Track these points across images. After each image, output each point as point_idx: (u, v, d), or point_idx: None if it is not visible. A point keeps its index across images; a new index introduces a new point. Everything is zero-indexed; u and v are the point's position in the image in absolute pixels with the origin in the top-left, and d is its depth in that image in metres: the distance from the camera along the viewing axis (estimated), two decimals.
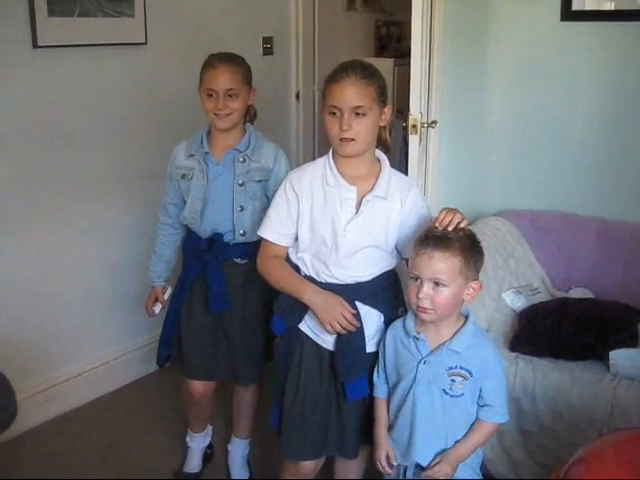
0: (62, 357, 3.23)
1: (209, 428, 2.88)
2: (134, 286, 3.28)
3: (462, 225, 1.93)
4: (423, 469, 2.00)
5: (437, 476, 1.97)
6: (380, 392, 2.11)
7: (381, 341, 2.11)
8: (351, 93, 1.97)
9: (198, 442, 2.83)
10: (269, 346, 2.56)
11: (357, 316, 2.07)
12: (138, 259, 3.18)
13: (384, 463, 2.06)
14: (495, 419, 1.99)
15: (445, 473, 1.96)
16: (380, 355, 2.11)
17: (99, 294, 3.34)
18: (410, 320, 2.01)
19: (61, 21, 2.93)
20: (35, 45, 2.86)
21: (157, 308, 2.69)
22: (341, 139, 2.00)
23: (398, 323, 2.07)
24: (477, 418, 1.98)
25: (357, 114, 1.98)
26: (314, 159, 2.23)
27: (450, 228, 1.90)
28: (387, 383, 2.09)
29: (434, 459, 1.98)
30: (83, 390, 3.29)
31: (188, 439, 2.83)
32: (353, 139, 2.00)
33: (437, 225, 1.92)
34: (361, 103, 1.98)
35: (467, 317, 2.00)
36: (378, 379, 2.11)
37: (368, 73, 2.01)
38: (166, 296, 2.69)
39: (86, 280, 3.27)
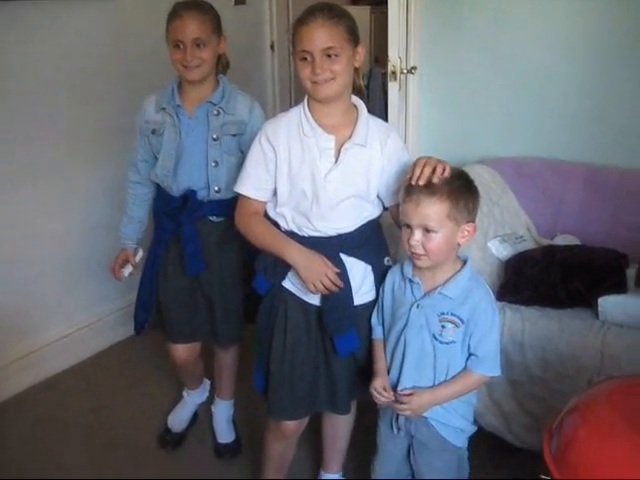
0: (40, 323, 3.21)
1: (207, 383, 2.86)
2: (110, 248, 3.13)
3: (446, 174, 1.88)
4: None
5: (401, 408, 1.95)
6: (377, 333, 2.11)
7: (380, 286, 2.10)
8: (320, 35, 1.92)
9: (194, 398, 2.82)
10: (250, 306, 2.48)
11: (342, 273, 2.03)
12: (111, 220, 3.07)
13: (380, 390, 2.00)
14: (482, 370, 1.95)
15: (409, 408, 1.94)
16: (379, 298, 2.10)
17: (75, 257, 3.30)
18: (408, 264, 2.00)
19: None
20: None
21: (127, 270, 2.62)
22: (314, 82, 1.95)
23: (397, 267, 2.06)
24: (464, 366, 1.96)
25: (329, 56, 1.93)
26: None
27: (435, 180, 1.85)
28: (383, 325, 2.09)
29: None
30: (62, 356, 3.27)
31: (185, 394, 2.81)
32: (332, 78, 1.95)
33: (413, 182, 1.87)
34: (331, 44, 1.93)
35: (465, 262, 1.98)
36: (376, 321, 2.11)
37: (335, 13, 1.96)
38: (137, 258, 2.62)
39: (62, 243, 3.23)
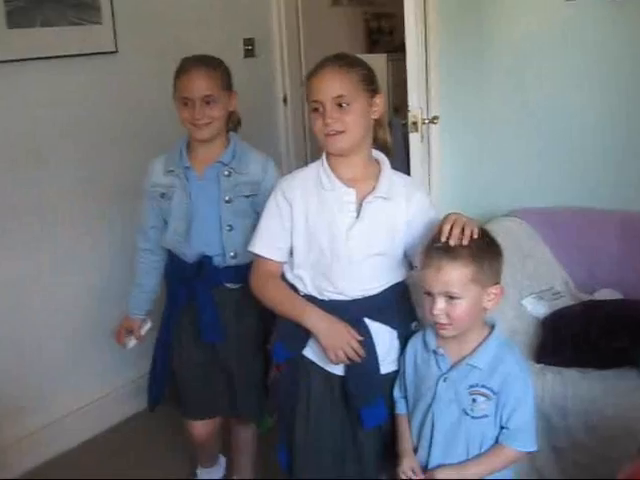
0: (42, 399, 3.17)
1: (222, 460, 2.83)
2: (119, 316, 3.13)
3: (475, 236, 1.86)
4: None
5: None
6: (401, 408, 2.06)
7: (401, 355, 2.07)
8: (330, 83, 1.95)
9: (208, 476, 2.79)
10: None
11: (366, 340, 2.01)
12: (119, 287, 3.10)
13: (409, 473, 1.95)
14: (515, 444, 1.90)
15: None
16: (400, 369, 2.07)
17: (79, 327, 3.29)
18: (430, 333, 1.97)
19: (22, 32, 2.89)
20: None
21: (131, 342, 2.62)
22: (327, 134, 1.97)
23: (418, 336, 2.03)
24: (497, 441, 1.91)
25: (340, 105, 1.95)
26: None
27: (465, 242, 1.84)
28: (408, 399, 2.05)
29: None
30: (71, 433, 3.24)
31: (198, 472, 2.78)
32: (342, 131, 1.95)
33: (443, 239, 1.85)
34: (342, 92, 1.94)
35: (493, 327, 1.95)
36: (399, 394, 2.07)
37: (347, 61, 1.99)
38: (143, 331, 2.61)
39: (63, 313, 3.22)
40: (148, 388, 2.61)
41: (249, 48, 3.97)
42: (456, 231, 1.84)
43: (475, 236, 1.85)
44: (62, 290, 3.21)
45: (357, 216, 2.01)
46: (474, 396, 1.88)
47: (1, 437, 2.90)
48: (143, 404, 3.22)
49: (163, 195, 2.42)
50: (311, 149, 4.12)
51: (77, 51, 3.11)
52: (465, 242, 1.83)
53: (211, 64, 2.37)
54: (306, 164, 2.17)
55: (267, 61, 4.13)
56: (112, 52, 3.24)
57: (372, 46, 5.32)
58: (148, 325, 2.61)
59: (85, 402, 3.33)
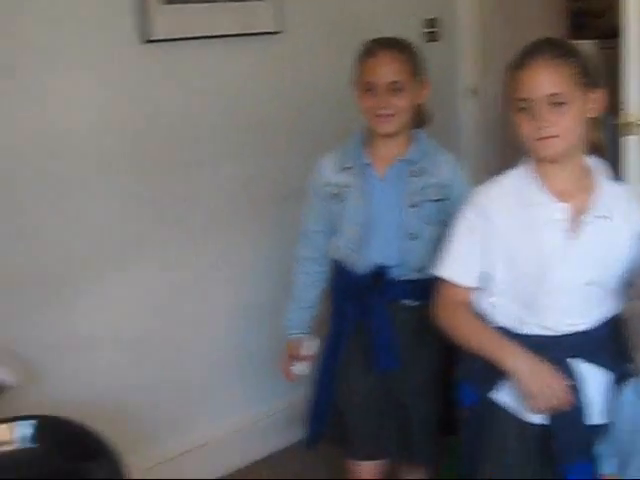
0: (180, 424, 3.19)
1: None
2: (269, 335, 3.21)
3: None
4: None
5: None
6: (609, 467, 1.97)
7: (613, 403, 2.00)
8: (543, 79, 1.90)
9: None
10: (449, 417, 2.39)
11: (574, 385, 1.96)
12: (273, 302, 3.09)
13: None
14: None
15: None
16: (611, 420, 1.99)
17: (225, 345, 3.29)
18: None
19: (177, 9, 2.91)
20: (146, 39, 2.85)
21: (298, 367, 2.63)
22: (539, 139, 1.92)
23: (633, 384, 1.96)
24: None
25: (555, 104, 1.90)
26: (496, 173, 2.14)
27: None
28: (618, 456, 1.96)
29: None
30: (206, 465, 3.22)
31: None
32: (556, 136, 1.91)
33: None
34: (558, 90, 1.90)
35: None
36: (607, 450, 1.98)
37: (562, 51, 1.94)
38: (310, 350, 2.60)
39: (209, 329, 3.23)
40: (307, 422, 2.60)
41: (431, 31, 3.89)
42: None
43: None
44: (208, 305, 3.22)
45: (571, 237, 1.96)
46: None
47: (136, 460, 2.88)
48: (292, 438, 3.31)
49: (335, 196, 2.44)
50: (501, 149, 3.95)
51: (237, 31, 3.11)
52: None
53: (401, 47, 2.38)
54: (497, 167, 2.16)
55: (452, 46, 4.05)
56: (276, 32, 3.21)
57: (576, 30, 5.11)
58: (315, 343, 2.61)
59: (225, 431, 3.32)
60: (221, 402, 3.31)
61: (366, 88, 2.33)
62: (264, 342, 3.28)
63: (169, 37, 2.90)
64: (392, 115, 2.32)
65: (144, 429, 3.06)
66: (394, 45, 2.36)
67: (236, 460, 3.32)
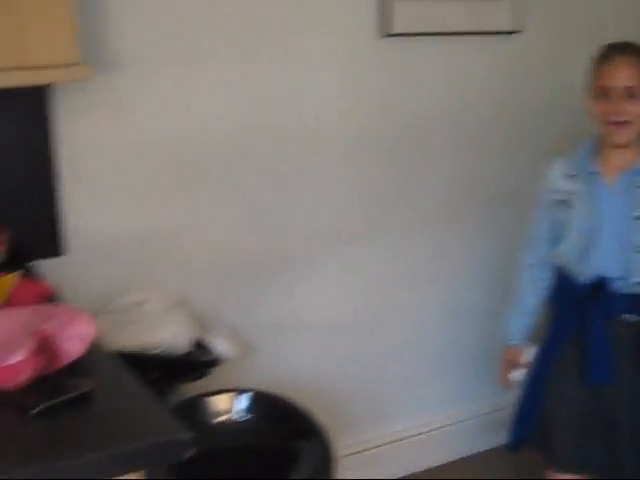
0: (380, 417, 3.22)
1: None
2: (475, 337, 3.23)
3: None
4: None
5: None
6: None
7: None
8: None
9: None
10: None
11: None
12: (487, 304, 3.10)
13: None
14: None
15: None
16: None
17: (430, 341, 3.29)
18: None
19: (413, 5, 2.91)
20: (385, 33, 2.87)
21: (516, 375, 2.60)
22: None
23: None
24: None
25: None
26: None
27: None
28: None
29: None
30: (403, 458, 3.25)
31: None
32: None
33: None
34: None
35: None
36: None
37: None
38: (529, 357, 2.57)
39: (418, 323, 3.23)
40: (512, 426, 2.58)
41: None
42: None
43: None
44: (417, 298, 3.22)
45: None
46: None
47: (338, 446, 2.96)
48: (488, 443, 3.27)
49: (562, 202, 2.42)
50: None
51: (474, 28, 3.06)
52: None
53: (637, 52, 2.33)
54: None
55: None
56: (509, 32, 3.14)
57: None
58: (532, 351, 2.57)
59: (425, 428, 3.33)
60: (422, 398, 3.31)
61: (600, 93, 2.31)
62: (473, 343, 3.27)
63: (407, 32, 2.89)
64: (626, 122, 2.29)
65: (342, 416, 3.09)
66: (631, 50, 2.32)
67: (432, 457, 3.32)
